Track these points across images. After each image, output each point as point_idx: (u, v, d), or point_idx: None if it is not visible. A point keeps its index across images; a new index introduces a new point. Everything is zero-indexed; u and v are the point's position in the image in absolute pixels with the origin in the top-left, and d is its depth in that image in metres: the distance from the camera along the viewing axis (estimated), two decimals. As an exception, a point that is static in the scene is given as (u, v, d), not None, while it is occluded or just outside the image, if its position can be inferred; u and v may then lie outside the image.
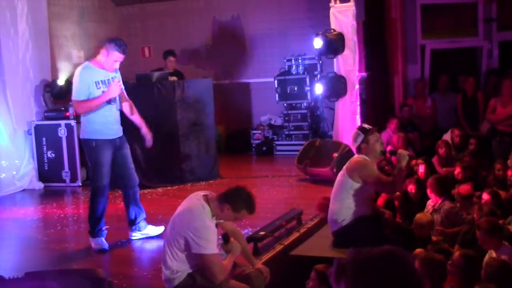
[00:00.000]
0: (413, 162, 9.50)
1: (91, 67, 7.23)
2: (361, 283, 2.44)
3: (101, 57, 7.25)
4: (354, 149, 6.99)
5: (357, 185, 6.47)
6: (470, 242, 6.04)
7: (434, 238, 6.69)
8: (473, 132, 11.29)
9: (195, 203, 5.15)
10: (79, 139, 7.65)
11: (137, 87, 10.58)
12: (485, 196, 7.02)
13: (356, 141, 6.63)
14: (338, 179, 6.66)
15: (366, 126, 6.76)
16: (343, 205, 6.51)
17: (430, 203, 7.45)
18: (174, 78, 11.16)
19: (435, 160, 9.71)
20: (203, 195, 5.20)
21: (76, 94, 7.11)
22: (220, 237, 5.29)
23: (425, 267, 4.86)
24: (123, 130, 7.69)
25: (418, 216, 6.94)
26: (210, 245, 4.99)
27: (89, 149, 7.25)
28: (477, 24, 13.12)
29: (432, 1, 13.23)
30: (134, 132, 10.31)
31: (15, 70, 11.07)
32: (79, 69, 7.27)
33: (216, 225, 5.21)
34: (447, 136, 10.61)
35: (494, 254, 5.52)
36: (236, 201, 5.10)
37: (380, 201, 7.67)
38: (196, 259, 5.05)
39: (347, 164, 6.65)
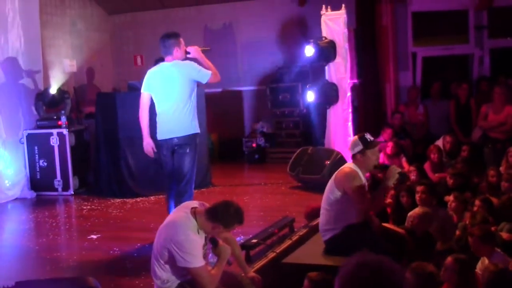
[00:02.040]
0: (406, 168, 9.52)
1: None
2: None
3: (176, 53, 7.35)
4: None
5: (343, 196, 6.37)
6: (463, 249, 6.04)
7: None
8: (465, 139, 11.30)
9: (181, 215, 5.10)
10: (190, 136, 7.27)
11: (129, 95, 10.59)
12: (477, 203, 7.02)
13: (353, 149, 6.47)
14: (327, 188, 6.56)
15: (368, 137, 6.47)
16: (333, 214, 6.43)
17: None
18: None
19: (427, 166, 9.71)
20: (192, 208, 5.15)
21: (207, 71, 7.25)
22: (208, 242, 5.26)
23: (416, 278, 4.83)
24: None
25: (411, 212, 6.97)
26: (195, 259, 4.93)
27: (195, 144, 7.30)
28: (468, 31, 13.16)
29: (423, 9, 13.27)
30: (127, 139, 10.38)
31: (7, 79, 11.03)
32: (186, 63, 7.32)
33: (206, 239, 5.18)
34: (439, 143, 10.61)
35: (486, 261, 5.53)
36: (227, 219, 5.04)
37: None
38: (184, 270, 5.03)
39: (336, 173, 6.54)
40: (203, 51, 7.62)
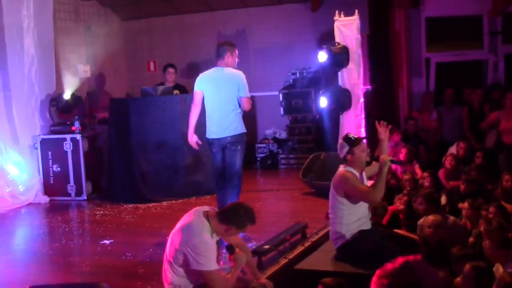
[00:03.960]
0: (419, 175, 9.50)
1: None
2: None
3: (229, 59, 7.96)
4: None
5: (346, 200, 6.37)
6: (477, 256, 6.01)
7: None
8: (479, 145, 11.25)
9: (195, 219, 5.14)
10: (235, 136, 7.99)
11: (142, 101, 10.63)
12: (492, 210, 6.99)
13: (341, 152, 6.51)
14: (330, 197, 6.58)
15: (351, 136, 6.63)
16: (341, 222, 6.43)
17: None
18: (177, 91, 11.21)
19: (441, 173, 9.68)
20: (204, 211, 5.18)
21: (248, 92, 7.88)
22: (224, 250, 5.28)
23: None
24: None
25: (421, 220, 6.95)
26: (209, 261, 4.96)
27: (243, 142, 8.06)
28: (482, 37, 13.11)
29: (436, 14, 13.23)
30: (140, 145, 10.41)
31: (21, 85, 11.11)
32: (239, 72, 7.96)
33: (217, 242, 5.20)
34: (452, 149, 10.59)
35: (501, 268, 5.50)
36: (239, 221, 5.10)
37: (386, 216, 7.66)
38: (196, 274, 5.04)
39: (332, 180, 6.54)
40: None
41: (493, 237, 5.63)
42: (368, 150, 6.70)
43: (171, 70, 12.42)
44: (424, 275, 2.44)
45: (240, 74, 7.90)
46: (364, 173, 6.62)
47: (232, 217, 5.09)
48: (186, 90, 11.94)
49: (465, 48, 13.37)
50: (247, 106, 7.89)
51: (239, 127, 7.92)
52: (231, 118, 7.84)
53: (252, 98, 14.49)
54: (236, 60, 8.07)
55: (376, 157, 6.87)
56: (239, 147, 7.94)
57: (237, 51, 8.08)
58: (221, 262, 5.46)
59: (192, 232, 5.03)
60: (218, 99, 7.85)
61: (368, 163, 6.75)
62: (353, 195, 6.34)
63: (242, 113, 7.98)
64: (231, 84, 7.82)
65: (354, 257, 6.26)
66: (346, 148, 6.45)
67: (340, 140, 6.70)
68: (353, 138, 6.53)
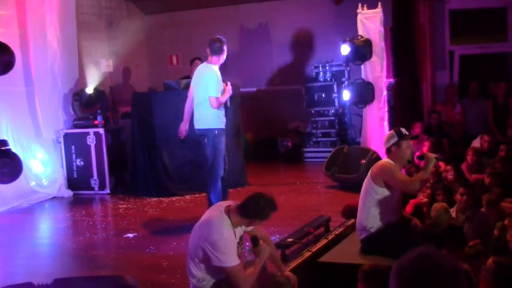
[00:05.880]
0: (442, 168, 9.43)
1: (215, 67, 8.30)
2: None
3: (216, 57, 8.32)
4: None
5: (382, 190, 6.39)
6: (501, 249, 5.96)
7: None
8: (503, 138, 11.17)
9: (215, 214, 5.12)
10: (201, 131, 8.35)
11: (165, 95, 10.63)
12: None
13: (388, 142, 6.52)
14: (364, 186, 6.60)
15: (403, 130, 6.61)
16: (370, 212, 6.45)
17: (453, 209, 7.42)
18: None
19: (463, 167, 9.61)
20: (225, 206, 5.17)
21: (215, 91, 8.13)
22: (247, 243, 5.26)
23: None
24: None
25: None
26: (229, 258, 4.93)
27: (214, 137, 8.21)
28: (506, 30, 13.00)
29: (460, 7, 13.13)
30: (163, 139, 10.42)
31: (44, 80, 11.15)
32: (212, 70, 8.24)
33: (241, 238, 5.20)
34: (476, 142, 10.51)
35: (524, 261, 5.47)
36: (261, 213, 5.06)
37: (408, 208, 7.61)
38: (219, 269, 5.03)
39: (371, 169, 6.58)
40: None
41: None
42: (413, 149, 6.76)
43: (198, 62, 12.33)
44: (442, 262, 2.41)
45: (213, 73, 8.22)
46: None
47: (254, 210, 5.06)
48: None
49: (489, 41, 13.27)
50: (212, 104, 8.14)
51: (211, 122, 8.22)
52: (204, 113, 8.22)
53: (275, 92, 14.65)
54: (224, 56, 8.42)
55: (421, 156, 6.90)
56: (205, 140, 8.25)
57: (225, 49, 8.40)
58: (245, 254, 5.44)
59: (211, 228, 5.00)
60: (196, 93, 8.37)
61: (409, 162, 6.86)
62: (393, 184, 6.36)
63: (221, 110, 8.29)
64: (205, 81, 8.22)
65: (379, 249, 6.25)
66: (394, 140, 6.47)
67: (390, 132, 6.73)
68: (403, 133, 6.55)
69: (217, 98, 8.12)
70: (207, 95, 8.12)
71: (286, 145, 13.83)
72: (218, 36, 8.44)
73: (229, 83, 8.37)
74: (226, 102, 8.38)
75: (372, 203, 6.44)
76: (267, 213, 5.09)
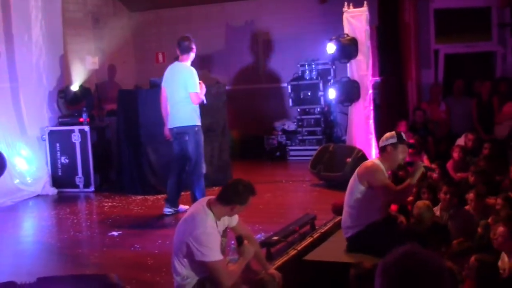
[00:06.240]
0: (429, 173, 9.47)
1: (189, 64, 8.63)
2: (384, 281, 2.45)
3: (186, 55, 8.64)
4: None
5: (366, 190, 6.38)
6: (485, 247, 6.00)
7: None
8: (487, 136, 11.22)
9: (198, 208, 5.18)
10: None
11: (151, 92, 10.61)
12: (499, 202, 6.98)
13: (386, 141, 6.49)
14: (349, 185, 6.59)
15: (404, 135, 6.63)
16: (355, 211, 6.46)
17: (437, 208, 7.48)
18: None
19: (449, 165, 9.66)
20: (207, 200, 5.22)
21: (196, 86, 8.44)
22: (232, 241, 5.28)
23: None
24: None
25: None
26: (212, 252, 4.95)
27: (193, 133, 8.50)
28: (491, 29, 13.06)
29: (445, 6, 13.18)
30: (148, 136, 10.40)
31: (29, 77, 11.10)
32: (188, 67, 8.59)
33: (225, 231, 5.22)
34: (460, 141, 10.58)
35: (506, 258, 5.50)
36: (241, 197, 5.13)
37: (394, 206, 7.63)
38: (203, 265, 5.04)
39: (358, 168, 6.57)
40: None
41: (509, 226, 5.60)
42: (406, 156, 6.67)
43: None
44: (427, 260, 2.43)
45: (189, 70, 8.53)
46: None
47: (233, 195, 5.12)
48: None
49: (474, 40, 13.33)
50: (194, 100, 8.45)
51: (191, 119, 8.50)
52: (183, 110, 8.52)
53: (261, 90, 14.65)
54: (193, 54, 8.74)
55: (411, 163, 6.90)
56: (186, 138, 8.50)
57: (194, 47, 8.73)
58: (229, 253, 5.45)
59: (195, 222, 5.04)
60: (171, 93, 8.65)
61: (400, 167, 6.83)
62: (376, 187, 6.33)
63: (196, 106, 8.58)
64: (183, 79, 8.51)
65: (365, 248, 6.26)
66: (393, 140, 6.45)
67: (390, 132, 6.68)
68: (404, 137, 6.57)
69: (197, 93, 8.42)
70: (187, 91, 8.35)
71: (271, 143, 13.85)
72: (186, 35, 8.72)
73: (201, 82, 8.64)
74: (202, 99, 8.66)
75: (357, 202, 6.44)
76: (246, 197, 5.14)
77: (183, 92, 8.41)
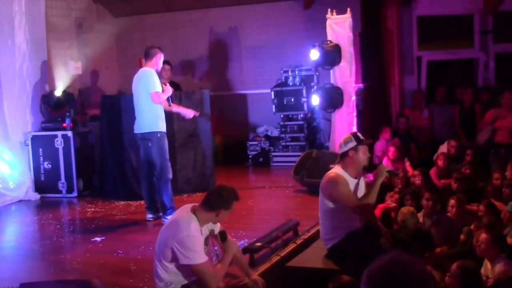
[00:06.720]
0: (410, 173, 9.52)
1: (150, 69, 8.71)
2: None
3: (149, 62, 8.77)
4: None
5: (332, 203, 6.26)
6: (467, 254, 6.03)
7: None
8: (469, 143, 11.28)
9: (182, 214, 5.24)
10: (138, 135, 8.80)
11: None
12: (482, 208, 7.03)
13: (345, 146, 6.29)
14: (319, 198, 6.45)
15: (360, 135, 6.43)
16: (330, 224, 6.36)
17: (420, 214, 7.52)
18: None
19: (433, 172, 9.70)
20: (191, 206, 5.25)
21: (155, 86, 8.49)
22: (215, 247, 5.28)
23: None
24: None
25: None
26: (197, 255, 4.99)
27: (156, 139, 8.55)
28: (473, 36, 13.15)
29: (428, 13, 13.25)
30: (131, 142, 10.39)
31: (12, 81, 11.07)
32: (147, 70, 8.68)
33: (207, 240, 5.24)
34: (443, 148, 10.62)
35: (489, 265, 5.53)
36: (225, 202, 5.17)
37: (376, 212, 7.65)
38: (187, 269, 5.06)
39: (321, 182, 6.40)
40: None
41: (491, 233, 5.64)
42: (369, 155, 6.48)
43: (166, 67, 12.15)
44: (412, 266, 2.45)
45: (148, 72, 8.63)
46: (362, 179, 6.49)
47: (218, 201, 5.17)
48: (180, 87, 11.91)
49: (456, 47, 13.42)
50: (155, 100, 8.51)
51: (153, 126, 8.58)
52: (146, 117, 8.62)
53: (244, 96, 14.68)
54: (158, 61, 8.85)
55: (374, 165, 6.82)
56: (149, 144, 8.58)
57: (159, 55, 8.83)
58: (213, 259, 5.47)
59: (179, 227, 5.07)
60: (136, 98, 8.78)
61: (365, 169, 6.52)
62: (337, 199, 6.19)
63: (160, 112, 8.68)
64: (143, 82, 8.61)
65: (345, 257, 6.18)
66: (352, 144, 6.24)
67: (346, 135, 6.54)
68: (361, 138, 6.35)
69: (157, 92, 8.50)
70: (148, 93, 8.48)
71: (255, 149, 13.87)
72: (152, 44, 8.99)
73: (168, 84, 8.90)
74: (168, 101, 8.87)
75: (329, 214, 6.33)
76: (230, 202, 5.19)
77: (144, 95, 8.53)
